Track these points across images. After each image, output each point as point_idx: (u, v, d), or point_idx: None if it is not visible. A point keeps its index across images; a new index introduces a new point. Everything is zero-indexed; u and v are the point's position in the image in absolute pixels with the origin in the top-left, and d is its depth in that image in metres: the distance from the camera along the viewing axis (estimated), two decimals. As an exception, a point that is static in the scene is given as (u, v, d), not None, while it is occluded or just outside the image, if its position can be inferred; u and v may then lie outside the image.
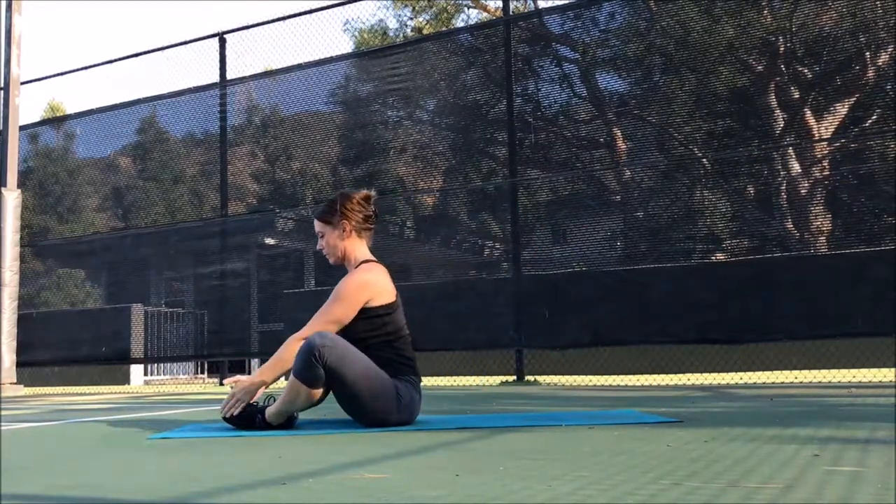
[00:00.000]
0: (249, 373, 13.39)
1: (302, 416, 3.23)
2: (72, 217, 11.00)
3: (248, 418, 3.10)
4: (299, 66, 8.97)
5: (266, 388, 3.13)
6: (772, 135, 7.73)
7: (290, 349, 3.03)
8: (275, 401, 3.12)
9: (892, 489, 1.52)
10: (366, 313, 3.07)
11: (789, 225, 7.39)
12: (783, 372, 6.61)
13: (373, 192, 3.30)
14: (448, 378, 7.61)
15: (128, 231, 10.42)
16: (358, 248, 3.23)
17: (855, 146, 7.35)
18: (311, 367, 2.91)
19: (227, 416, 3.11)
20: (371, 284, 3.10)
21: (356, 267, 3.19)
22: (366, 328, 3.07)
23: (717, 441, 2.40)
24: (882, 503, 1.41)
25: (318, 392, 2.98)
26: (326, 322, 3.05)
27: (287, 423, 3.10)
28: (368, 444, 2.62)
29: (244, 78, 9.33)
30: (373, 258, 3.24)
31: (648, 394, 5.23)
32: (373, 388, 2.97)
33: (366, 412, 3.03)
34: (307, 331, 3.06)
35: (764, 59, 7.78)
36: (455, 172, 9.14)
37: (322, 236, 3.25)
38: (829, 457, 2.00)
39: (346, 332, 3.07)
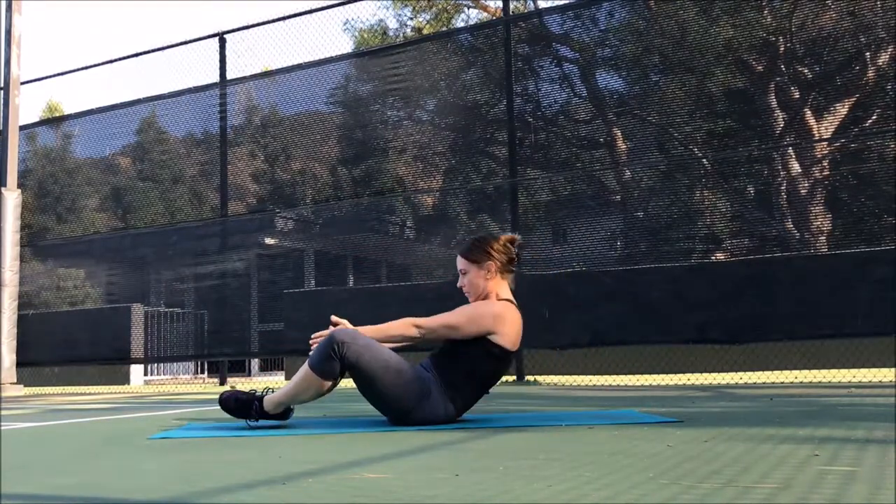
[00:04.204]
0: (249, 372, 13.42)
1: (302, 415, 3.24)
2: (72, 217, 11.00)
3: (244, 405, 3.10)
4: (299, 66, 8.97)
5: None
6: (772, 135, 7.73)
7: (400, 326, 3.09)
8: (274, 392, 3.12)
9: (887, 488, 1.53)
10: (486, 344, 3.08)
11: (789, 225, 7.39)
12: (783, 372, 6.61)
13: (518, 237, 3.33)
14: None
15: (127, 231, 10.42)
16: (501, 288, 3.24)
17: (855, 146, 7.35)
18: (328, 360, 2.93)
19: (312, 344, 3.08)
20: (504, 322, 3.11)
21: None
22: (471, 353, 3.09)
23: (716, 441, 2.40)
24: (875, 503, 1.41)
25: (328, 385, 3.00)
26: (445, 323, 3.09)
27: (283, 413, 3.11)
28: (368, 444, 2.62)
29: (244, 78, 9.33)
30: (514, 301, 3.24)
31: (648, 394, 5.23)
32: (393, 380, 2.98)
33: (387, 404, 3.05)
34: (423, 321, 3.10)
35: (764, 59, 7.78)
36: (455, 172, 9.13)
37: (465, 274, 3.25)
38: (827, 456, 2.00)
39: (454, 343, 3.10)
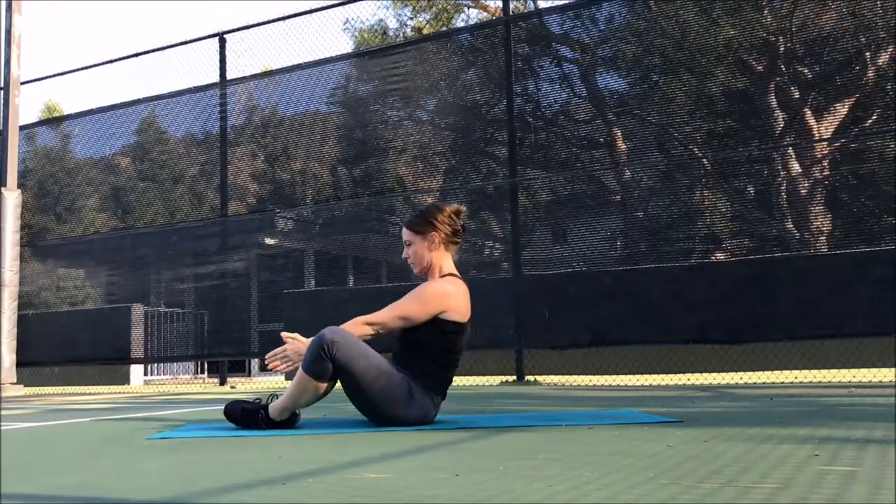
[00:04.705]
0: (249, 372, 13.42)
1: (303, 415, 3.24)
2: (71, 217, 11.00)
3: (250, 415, 3.10)
4: (299, 66, 8.97)
5: None
6: (772, 135, 7.73)
7: (353, 327, 3.05)
8: (278, 398, 3.12)
9: (887, 488, 1.53)
10: (438, 323, 3.09)
11: (789, 225, 7.38)
12: (783, 372, 6.61)
13: (463, 208, 3.34)
14: (448, 378, 7.60)
15: (127, 231, 10.42)
16: (445, 260, 3.24)
17: (855, 146, 7.35)
18: (319, 361, 2.92)
19: (270, 367, 3.11)
20: (452, 297, 3.12)
21: (441, 278, 3.20)
22: (432, 337, 3.10)
23: (716, 441, 2.40)
24: (875, 503, 1.41)
25: (324, 386, 2.98)
26: (397, 315, 3.09)
27: (290, 419, 3.10)
28: (368, 444, 2.62)
29: (244, 78, 9.33)
30: (458, 273, 3.25)
31: (648, 394, 5.23)
32: (382, 384, 2.97)
33: (374, 408, 3.04)
34: (375, 316, 3.08)
35: (764, 59, 7.78)
36: (455, 172, 9.13)
37: (409, 245, 3.26)
38: (827, 456, 2.00)
39: (412, 332, 3.10)
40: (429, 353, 3.10)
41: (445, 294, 3.11)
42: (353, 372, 2.93)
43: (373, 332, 3.08)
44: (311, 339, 3.05)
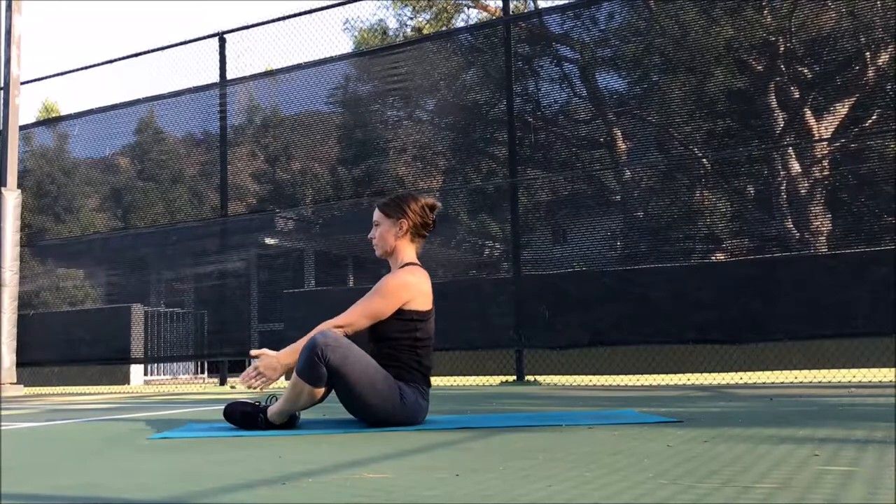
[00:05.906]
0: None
1: (303, 415, 3.24)
2: (71, 217, 11.00)
3: (250, 418, 3.10)
4: (299, 66, 8.97)
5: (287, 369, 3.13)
6: (772, 135, 7.73)
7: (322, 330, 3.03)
8: (277, 400, 3.12)
9: (886, 488, 1.53)
10: (401, 314, 3.10)
11: (789, 225, 7.38)
12: (783, 372, 6.61)
13: (439, 203, 3.36)
14: (448, 378, 7.62)
15: (127, 231, 10.42)
16: (407, 249, 3.27)
17: (855, 146, 7.35)
18: (313, 366, 2.91)
19: (248, 386, 3.12)
20: (413, 287, 3.13)
21: (401, 268, 3.21)
22: (397, 328, 3.10)
23: (716, 441, 2.40)
24: (874, 503, 1.41)
25: (321, 391, 2.98)
26: (363, 314, 3.09)
27: (289, 422, 3.11)
28: (368, 444, 2.62)
29: (244, 78, 9.33)
30: (418, 263, 3.26)
31: (648, 394, 5.23)
32: (375, 387, 2.97)
33: (368, 411, 3.04)
34: (342, 319, 3.08)
35: (764, 59, 7.77)
36: (455, 172, 9.13)
37: (377, 226, 3.29)
38: (827, 456, 2.00)
39: (377, 328, 3.10)
40: (399, 344, 3.10)
41: (407, 285, 3.13)
42: (347, 375, 2.92)
43: (342, 335, 3.07)
44: (282, 351, 3.09)
